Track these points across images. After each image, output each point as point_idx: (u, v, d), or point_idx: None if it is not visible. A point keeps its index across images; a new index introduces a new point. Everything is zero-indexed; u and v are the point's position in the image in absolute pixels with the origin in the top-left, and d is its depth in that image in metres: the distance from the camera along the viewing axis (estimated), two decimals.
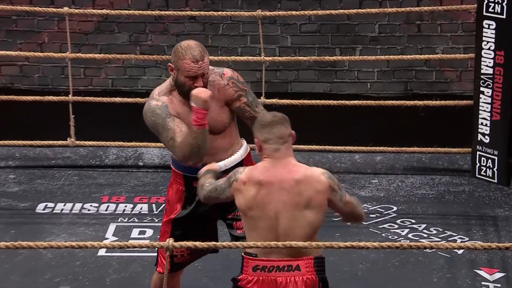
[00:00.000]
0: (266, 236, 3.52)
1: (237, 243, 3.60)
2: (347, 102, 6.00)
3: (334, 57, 6.28)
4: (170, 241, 3.49)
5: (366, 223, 5.51)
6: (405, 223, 5.52)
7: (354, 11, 6.10)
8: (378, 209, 5.70)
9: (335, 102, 6.01)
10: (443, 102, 6.01)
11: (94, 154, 6.30)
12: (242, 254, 3.61)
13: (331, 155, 6.28)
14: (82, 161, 6.26)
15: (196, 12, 6.29)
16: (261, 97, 5.96)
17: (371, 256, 5.00)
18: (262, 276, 3.54)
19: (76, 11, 6.22)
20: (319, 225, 3.59)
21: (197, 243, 3.51)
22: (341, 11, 6.09)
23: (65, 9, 5.97)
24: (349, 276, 4.88)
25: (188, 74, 3.92)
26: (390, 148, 6.07)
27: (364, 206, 5.72)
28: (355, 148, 6.08)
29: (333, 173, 6.07)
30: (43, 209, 5.64)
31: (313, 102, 6.02)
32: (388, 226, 5.48)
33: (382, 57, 6.19)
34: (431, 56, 6.22)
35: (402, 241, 5.27)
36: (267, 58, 6.04)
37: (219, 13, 6.21)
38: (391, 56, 6.16)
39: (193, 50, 3.94)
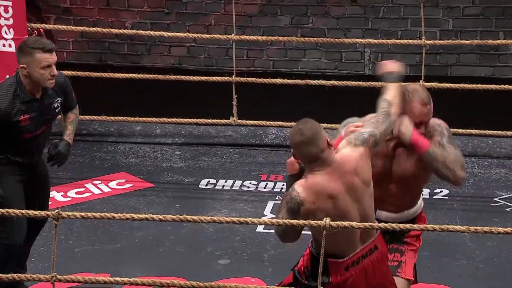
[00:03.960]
0: (353, 233, 3.53)
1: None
2: (509, 86, 5.88)
3: (498, 41, 6.15)
4: (327, 220, 3.46)
5: None
6: None
7: None
8: None
9: (497, 86, 5.90)
10: None
11: (254, 133, 6.46)
12: (324, 259, 3.55)
13: (491, 139, 6.17)
14: (243, 139, 6.44)
15: None
16: (420, 81, 5.94)
17: None
18: (353, 271, 3.57)
19: None
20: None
21: (353, 223, 3.52)
22: None
23: None
24: (508, 262, 4.81)
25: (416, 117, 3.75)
26: None
27: None
28: None
29: (493, 158, 6.06)
30: (206, 185, 5.85)
31: (474, 86, 5.92)
32: None
33: None
34: None
35: None
36: (427, 42, 5.99)
37: None
38: None
39: (421, 93, 3.85)
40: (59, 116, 4.50)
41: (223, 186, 5.84)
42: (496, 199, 5.57)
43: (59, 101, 4.39)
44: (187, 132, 6.49)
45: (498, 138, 6.12)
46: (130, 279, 3.65)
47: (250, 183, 5.87)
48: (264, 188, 5.80)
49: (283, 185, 5.80)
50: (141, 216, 3.53)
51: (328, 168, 3.50)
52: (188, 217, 3.53)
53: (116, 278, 3.63)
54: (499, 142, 6.17)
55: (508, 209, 5.43)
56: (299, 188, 3.48)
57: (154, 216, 3.52)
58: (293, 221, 3.44)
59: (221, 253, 4.99)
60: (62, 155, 4.42)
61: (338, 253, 3.57)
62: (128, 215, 3.52)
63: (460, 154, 3.78)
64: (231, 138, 6.45)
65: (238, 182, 5.87)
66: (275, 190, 5.76)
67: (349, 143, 3.57)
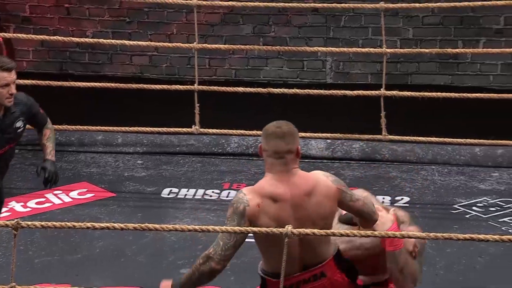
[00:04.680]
0: (291, 251, 3.37)
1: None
2: (468, 94, 5.95)
3: (457, 50, 6.23)
4: (289, 228, 3.36)
5: (486, 216, 5.47)
6: None
7: (479, 3, 6.02)
8: (498, 202, 5.64)
9: (456, 94, 5.97)
10: None
11: (217, 142, 6.47)
12: (262, 275, 3.47)
13: (451, 147, 6.24)
14: (205, 148, 6.44)
15: (319, 4, 6.36)
16: (381, 89, 5.99)
17: (490, 249, 4.96)
18: None
19: (204, 3, 6.40)
20: (332, 220, 3.50)
21: (315, 231, 3.48)
22: (465, 3, 6.03)
23: (194, 1, 6.14)
24: (467, 268, 4.87)
25: None
26: None
27: (483, 199, 5.69)
28: (476, 141, 6.03)
29: (452, 165, 6.13)
30: (168, 194, 5.84)
31: (434, 94, 5.99)
32: (508, 219, 5.42)
33: (507, 49, 6.09)
34: None
35: None
36: (388, 50, 6.05)
37: (342, 5, 6.27)
38: None
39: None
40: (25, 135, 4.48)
41: (185, 195, 5.83)
42: (455, 206, 5.63)
43: (22, 121, 4.37)
44: (149, 141, 6.48)
45: (457, 145, 6.19)
46: None
47: (213, 191, 5.87)
48: (227, 196, 5.81)
49: None
50: (102, 225, 3.51)
51: (284, 175, 3.40)
52: (150, 225, 3.51)
53: None
54: (458, 150, 6.24)
55: (467, 216, 5.50)
56: (246, 190, 3.41)
57: (115, 224, 3.50)
58: (255, 229, 3.37)
59: (184, 262, 4.98)
60: (54, 173, 4.43)
61: (274, 272, 3.44)
62: (89, 224, 3.50)
63: (418, 269, 3.70)
64: (193, 147, 6.45)
65: (201, 191, 5.87)
66: None
67: (325, 175, 3.46)
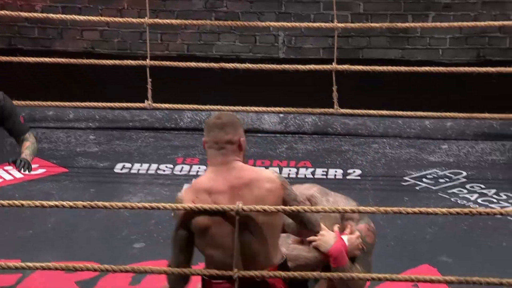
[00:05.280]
0: (227, 253, 3.24)
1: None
2: (418, 68, 6.01)
3: (407, 24, 6.28)
4: (239, 204, 3.24)
5: (436, 187, 5.56)
6: (474, 188, 5.53)
7: None
8: (447, 174, 5.73)
9: (406, 68, 6.03)
10: None
11: (170, 117, 6.45)
12: (203, 277, 3.33)
13: (401, 120, 6.31)
14: (158, 123, 6.43)
15: None
16: (333, 63, 6.02)
17: (439, 220, 5.04)
18: None
19: None
20: (280, 227, 3.32)
21: (266, 207, 3.21)
22: None
23: None
24: (417, 239, 4.94)
25: None
26: (461, 114, 6.07)
27: (433, 171, 5.77)
28: (426, 113, 6.10)
29: (403, 138, 6.20)
30: (121, 169, 5.83)
31: (385, 68, 6.04)
32: (457, 191, 5.51)
33: (455, 23, 6.16)
34: (505, 22, 6.17)
35: (471, 206, 5.30)
36: (339, 25, 6.08)
37: None
38: (464, 23, 6.13)
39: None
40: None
41: (139, 170, 5.82)
42: (406, 178, 5.71)
43: None
44: (101, 117, 6.44)
45: (408, 118, 6.26)
46: (43, 264, 3.59)
47: (166, 166, 5.87)
48: (180, 171, 5.81)
49: (199, 168, 5.82)
50: (51, 203, 3.48)
51: (224, 167, 3.26)
52: (99, 203, 3.45)
53: (28, 263, 3.57)
54: (409, 123, 6.31)
55: (417, 188, 5.57)
56: (184, 188, 3.33)
57: (64, 203, 3.47)
58: (205, 206, 3.22)
59: (137, 237, 4.97)
60: (26, 161, 4.14)
61: (209, 273, 3.31)
62: (37, 203, 3.47)
63: (363, 284, 3.64)
64: (146, 122, 6.43)
65: (154, 166, 5.86)
66: (191, 173, 5.77)
67: (271, 171, 3.31)
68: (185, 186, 3.36)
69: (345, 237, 3.60)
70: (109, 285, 4.45)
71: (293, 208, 3.30)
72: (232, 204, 3.23)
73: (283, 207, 3.30)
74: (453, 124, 6.28)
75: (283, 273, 3.29)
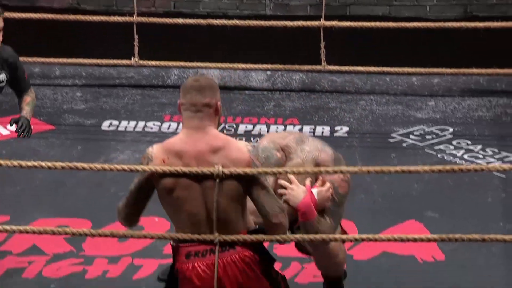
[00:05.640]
0: (195, 217, 3.25)
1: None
2: (406, 24, 6.00)
3: None
4: (219, 167, 3.20)
5: (422, 144, 5.59)
6: (460, 144, 5.57)
7: None
8: (434, 130, 5.75)
9: (394, 24, 6.02)
10: (503, 24, 5.97)
11: (157, 74, 6.44)
12: (171, 242, 3.34)
13: (389, 77, 6.32)
14: (145, 80, 6.41)
15: None
16: (321, 19, 6.00)
17: (425, 176, 5.07)
18: (196, 262, 3.26)
19: None
20: (245, 197, 3.27)
21: (248, 169, 3.19)
22: None
23: None
24: (404, 195, 4.98)
25: None
26: (447, 70, 6.08)
27: (420, 127, 5.80)
28: (413, 69, 6.11)
29: (390, 95, 6.21)
30: (108, 127, 5.82)
31: (372, 24, 6.03)
32: (443, 147, 5.54)
33: None
34: None
35: (457, 161, 5.34)
36: None
37: None
38: None
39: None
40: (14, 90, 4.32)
41: (126, 127, 5.82)
42: (393, 134, 5.73)
43: (4, 75, 4.24)
44: (88, 74, 6.42)
45: (395, 75, 6.27)
46: (34, 228, 3.60)
47: (153, 124, 5.86)
48: (168, 128, 5.81)
49: None
50: (29, 163, 3.47)
51: (197, 132, 3.24)
52: (78, 164, 3.43)
53: (20, 227, 3.57)
54: (396, 80, 6.32)
55: (404, 145, 5.60)
56: (156, 145, 3.31)
57: (43, 163, 3.46)
58: (185, 168, 3.17)
59: (125, 193, 4.96)
60: (27, 125, 4.20)
61: (190, 237, 3.28)
62: (15, 162, 3.46)
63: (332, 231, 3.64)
64: (133, 79, 6.41)
65: (141, 123, 5.86)
66: (178, 130, 5.77)
67: (245, 144, 3.28)
68: (155, 144, 3.32)
69: (315, 190, 3.60)
70: (98, 241, 4.47)
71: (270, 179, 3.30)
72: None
73: (261, 173, 3.22)
74: (440, 81, 6.29)
75: (264, 236, 3.29)
